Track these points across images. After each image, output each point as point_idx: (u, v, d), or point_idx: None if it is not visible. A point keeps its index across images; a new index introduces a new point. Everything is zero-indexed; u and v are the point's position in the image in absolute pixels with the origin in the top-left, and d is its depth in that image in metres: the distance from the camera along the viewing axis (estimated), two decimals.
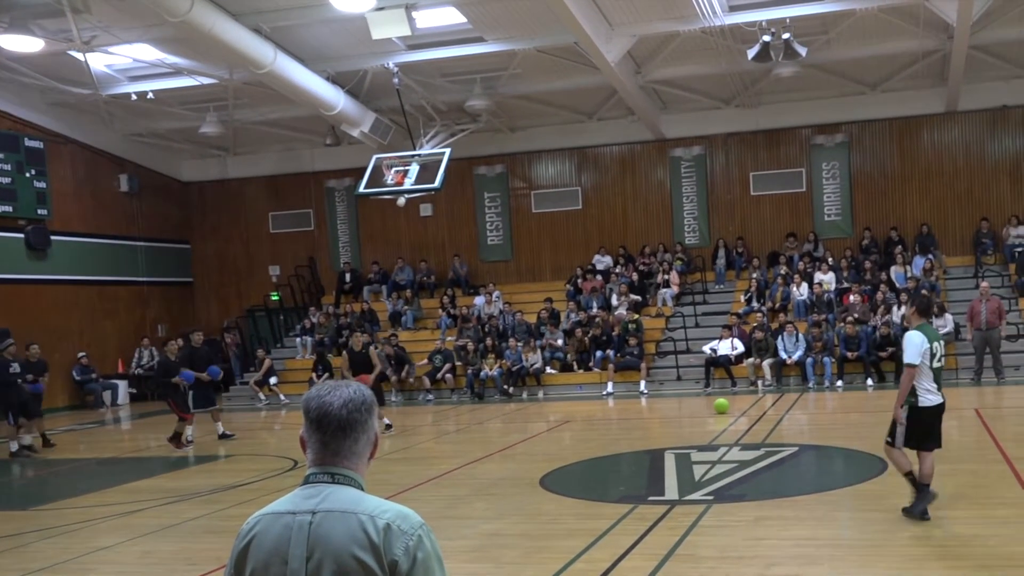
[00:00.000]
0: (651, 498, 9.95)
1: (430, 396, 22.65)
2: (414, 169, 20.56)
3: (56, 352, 22.64)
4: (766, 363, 20.62)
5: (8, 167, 22.56)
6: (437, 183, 20.35)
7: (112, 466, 15.36)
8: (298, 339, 25.58)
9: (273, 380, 23.84)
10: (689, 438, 14.20)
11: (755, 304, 22.93)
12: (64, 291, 24.41)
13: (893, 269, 22.80)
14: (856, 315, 20.99)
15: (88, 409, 23.96)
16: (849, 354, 20.26)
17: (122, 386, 25.50)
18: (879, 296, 21.73)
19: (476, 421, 18.67)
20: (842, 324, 20.73)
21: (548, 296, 24.52)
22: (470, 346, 23.26)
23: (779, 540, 8.07)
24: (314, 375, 22.90)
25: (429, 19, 19.19)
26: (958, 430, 13.22)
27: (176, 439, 15.70)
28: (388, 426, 16.44)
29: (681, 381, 21.67)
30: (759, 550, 7.78)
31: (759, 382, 20.55)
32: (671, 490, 10.34)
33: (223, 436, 16.63)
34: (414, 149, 21.79)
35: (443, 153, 20.90)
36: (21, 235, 23.11)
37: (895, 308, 20.96)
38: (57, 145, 24.34)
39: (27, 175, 23.03)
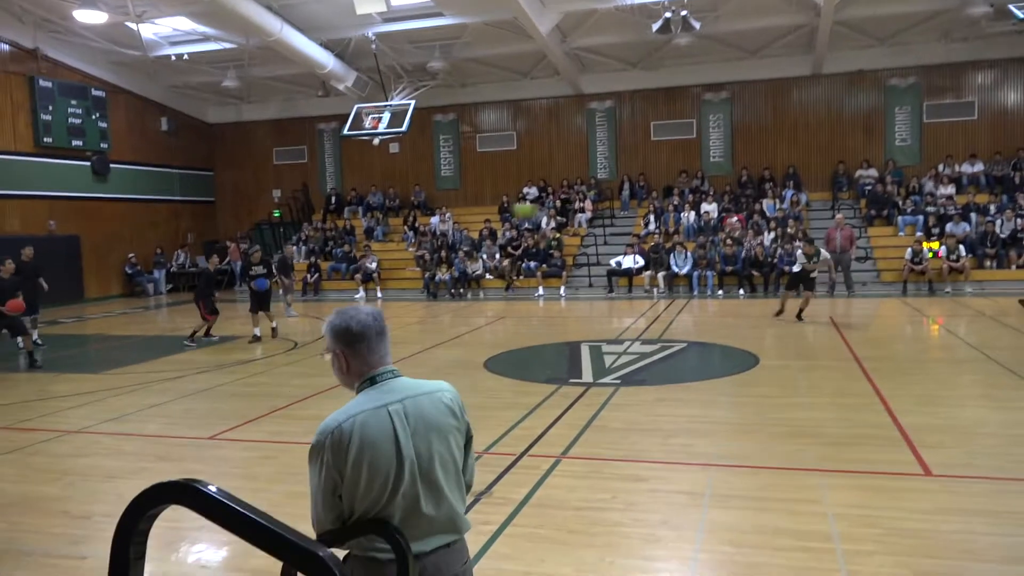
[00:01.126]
0: (571, 380, 9.85)
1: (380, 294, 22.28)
2: (386, 116, 21.03)
3: (113, 253, 24.80)
4: (660, 275, 20.55)
5: (79, 111, 23.44)
6: (404, 127, 20.85)
7: (158, 342, 15.21)
8: (294, 247, 25.16)
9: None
10: (600, 333, 14.07)
11: (653, 227, 22.80)
12: (119, 207, 25.19)
13: (765, 201, 22.74)
14: (735, 236, 20.87)
15: (136, 297, 24.84)
16: (727, 269, 20.28)
17: (162, 280, 26.31)
18: (752, 223, 21.62)
19: (431, 315, 18.35)
20: (722, 245, 20.66)
21: (487, 218, 24.32)
22: (426, 256, 23.01)
23: (674, 417, 8.02)
24: (307, 275, 23.39)
25: None
26: (816, 334, 13.27)
27: (193, 335, 14.31)
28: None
29: (592, 288, 21.61)
30: (658, 424, 7.73)
31: (654, 290, 20.49)
32: (587, 374, 10.25)
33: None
34: (386, 101, 21.95)
35: (409, 104, 21.30)
36: (88, 163, 23.95)
37: (765, 233, 21.00)
38: (115, 94, 24.97)
39: (93, 117, 23.83)
